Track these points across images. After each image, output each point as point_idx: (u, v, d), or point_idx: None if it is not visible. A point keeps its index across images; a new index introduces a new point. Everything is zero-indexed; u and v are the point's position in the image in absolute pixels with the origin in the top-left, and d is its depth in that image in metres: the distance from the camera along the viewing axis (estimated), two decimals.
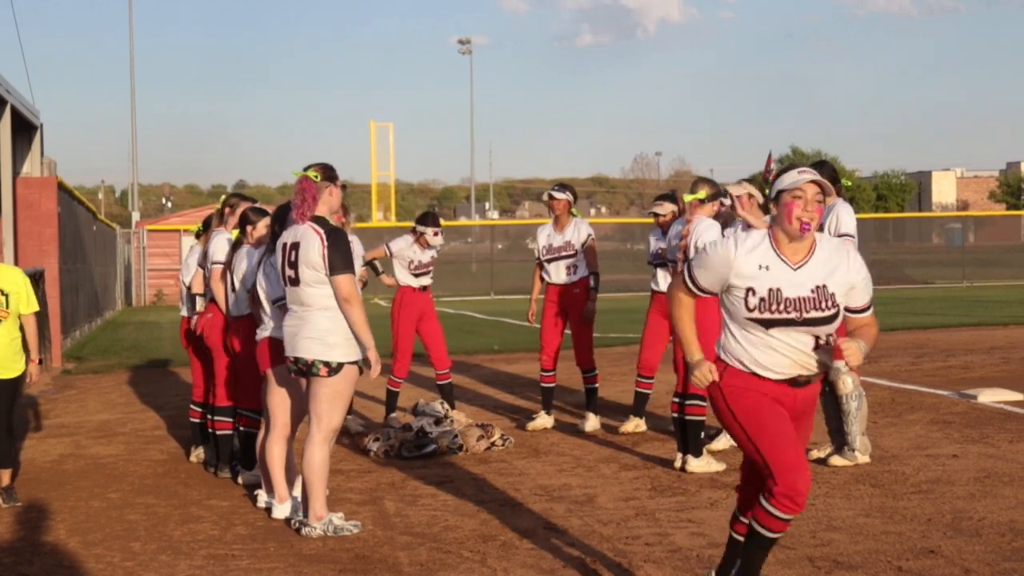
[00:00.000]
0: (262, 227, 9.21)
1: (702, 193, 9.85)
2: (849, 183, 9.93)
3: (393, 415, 12.00)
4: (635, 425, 11.53)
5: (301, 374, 7.91)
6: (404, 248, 12.21)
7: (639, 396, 11.61)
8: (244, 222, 9.34)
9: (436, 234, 12.20)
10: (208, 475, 9.97)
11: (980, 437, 10.83)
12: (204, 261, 10.14)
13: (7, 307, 9.21)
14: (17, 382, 9.36)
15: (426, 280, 12.25)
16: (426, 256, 12.23)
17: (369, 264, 12.24)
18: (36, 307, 9.47)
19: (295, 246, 7.81)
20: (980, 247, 58.04)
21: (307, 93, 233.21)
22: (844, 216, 9.63)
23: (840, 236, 9.51)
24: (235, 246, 9.43)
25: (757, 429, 5.68)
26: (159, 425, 12.82)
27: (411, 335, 12.23)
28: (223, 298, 9.60)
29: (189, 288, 10.49)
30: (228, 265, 9.50)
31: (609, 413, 12.73)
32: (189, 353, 10.57)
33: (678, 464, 9.73)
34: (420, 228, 12.18)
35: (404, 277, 12.21)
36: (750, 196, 9.55)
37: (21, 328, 9.34)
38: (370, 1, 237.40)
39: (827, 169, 9.79)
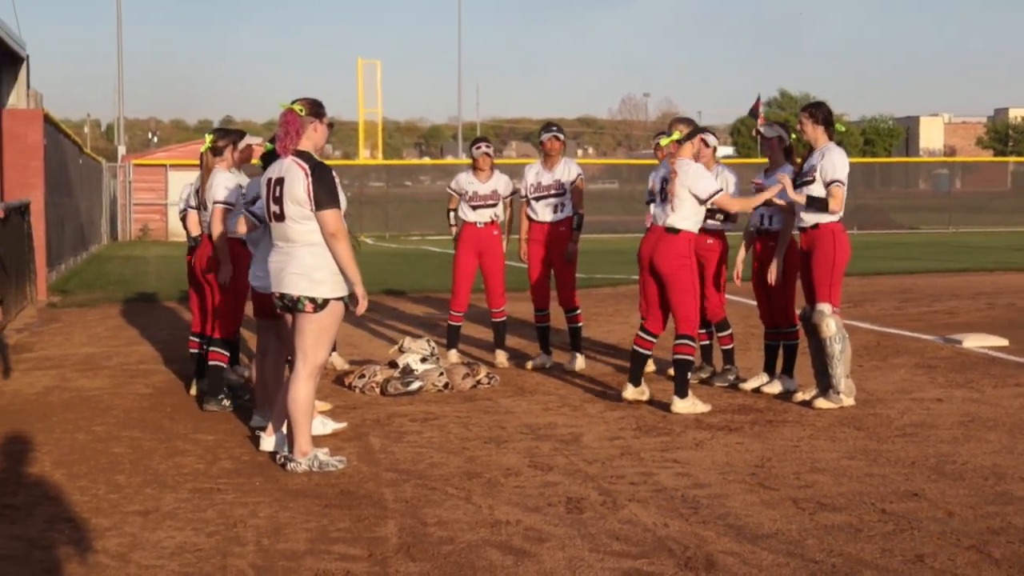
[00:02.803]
0: None
1: (677, 134, 9.81)
2: (842, 128, 9.93)
3: (453, 351, 12.24)
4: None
5: (287, 310, 7.88)
6: (463, 181, 12.29)
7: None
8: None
9: (478, 148, 12.23)
10: (194, 409, 9.95)
11: (964, 382, 10.87)
12: (197, 201, 10.14)
13: None
14: None
15: (486, 215, 12.21)
16: (485, 188, 12.19)
17: (451, 214, 12.49)
18: None
19: (280, 181, 7.75)
20: (967, 193, 58.12)
21: (296, 29, 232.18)
22: (837, 160, 9.60)
23: (829, 184, 9.53)
24: None
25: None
26: (144, 359, 12.80)
27: (467, 271, 12.26)
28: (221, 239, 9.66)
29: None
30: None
31: (594, 352, 12.75)
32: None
33: None
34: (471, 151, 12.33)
35: (465, 212, 12.25)
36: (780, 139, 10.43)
37: None
38: None
39: (823, 110, 9.83)
